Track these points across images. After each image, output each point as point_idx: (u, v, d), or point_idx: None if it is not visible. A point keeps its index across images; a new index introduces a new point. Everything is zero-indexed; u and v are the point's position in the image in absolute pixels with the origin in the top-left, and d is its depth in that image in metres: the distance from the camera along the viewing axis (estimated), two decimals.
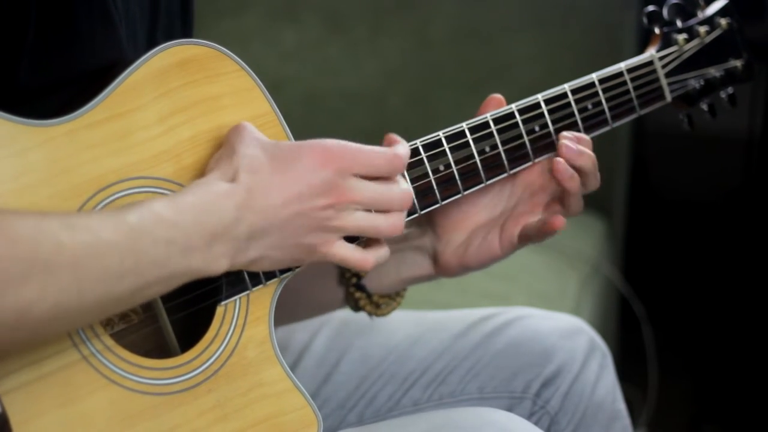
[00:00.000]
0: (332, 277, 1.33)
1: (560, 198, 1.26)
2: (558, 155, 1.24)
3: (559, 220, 1.23)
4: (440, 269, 1.30)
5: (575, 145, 1.24)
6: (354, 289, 1.32)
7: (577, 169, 1.24)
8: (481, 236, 1.28)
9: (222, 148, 1.06)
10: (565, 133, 1.25)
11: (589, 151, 1.25)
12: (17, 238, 0.89)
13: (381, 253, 1.12)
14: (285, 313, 1.34)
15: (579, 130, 1.27)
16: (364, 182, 1.08)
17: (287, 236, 1.04)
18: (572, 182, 1.24)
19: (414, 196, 1.17)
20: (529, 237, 1.26)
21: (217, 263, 1.01)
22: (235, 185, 1.02)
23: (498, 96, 1.25)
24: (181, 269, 0.98)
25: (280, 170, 1.04)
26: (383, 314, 1.34)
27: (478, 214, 1.28)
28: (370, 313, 1.34)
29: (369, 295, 1.33)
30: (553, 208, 1.27)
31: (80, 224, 0.94)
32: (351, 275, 1.32)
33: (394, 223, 1.10)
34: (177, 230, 0.97)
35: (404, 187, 1.11)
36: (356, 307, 1.34)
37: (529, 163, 1.26)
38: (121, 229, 0.95)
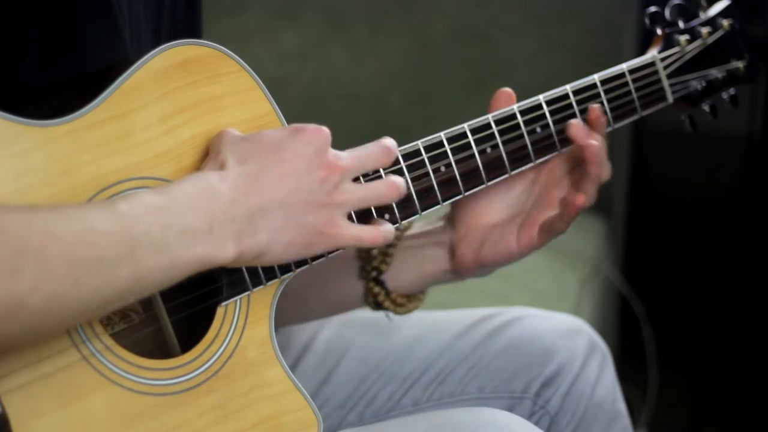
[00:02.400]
0: (353, 270, 1.33)
1: (576, 187, 1.26)
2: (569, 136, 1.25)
3: (580, 197, 1.23)
4: (456, 264, 1.30)
5: (584, 128, 1.25)
6: (374, 283, 1.32)
7: None
8: (497, 233, 1.28)
9: (208, 154, 1.06)
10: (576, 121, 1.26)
11: (598, 136, 1.26)
12: (6, 230, 0.88)
13: (387, 228, 1.10)
14: (304, 310, 1.34)
15: None
16: (344, 152, 1.08)
17: (290, 215, 1.03)
18: (598, 169, 1.24)
19: (414, 192, 1.17)
20: (551, 227, 1.26)
21: (223, 248, 0.99)
22: (226, 172, 1.02)
23: (507, 90, 1.25)
24: (185, 256, 0.97)
25: (270, 153, 1.04)
26: (401, 312, 1.34)
27: (496, 212, 1.29)
28: (389, 309, 1.33)
29: (388, 292, 1.33)
30: (568, 200, 1.27)
31: (71, 214, 0.93)
32: (372, 268, 1.32)
33: (392, 183, 1.10)
34: (171, 215, 0.96)
35: (384, 142, 1.11)
36: (375, 303, 1.33)
37: (531, 164, 1.26)
38: (113, 218, 0.94)
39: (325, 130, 1.06)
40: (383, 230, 1.10)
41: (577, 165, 1.27)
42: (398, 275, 1.32)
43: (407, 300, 1.34)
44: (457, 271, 1.31)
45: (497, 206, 1.29)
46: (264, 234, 1.02)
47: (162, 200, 0.97)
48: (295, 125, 1.07)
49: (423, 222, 1.33)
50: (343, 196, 1.06)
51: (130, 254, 0.93)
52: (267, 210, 1.02)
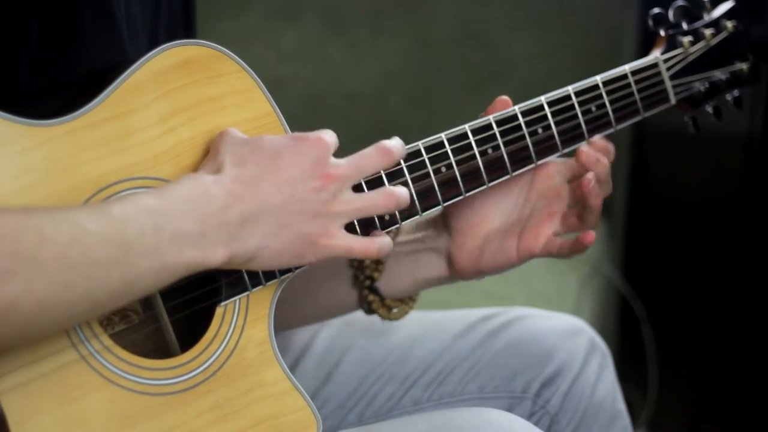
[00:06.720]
0: (346, 278, 1.33)
1: (578, 212, 1.26)
2: (579, 162, 1.25)
3: (590, 236, 1.24)
4: (455, 272, 1.30)
5: (594, 152, 1.25)
6: (367, 291, 1.32)
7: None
8: (496, 241, 1.28)
9: (208, 153, 1.06)
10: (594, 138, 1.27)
11: (605, 160, 1.26)
12: (1, 232, 0.88)
13: (383, 240, 1.10)
14: (299, 315, 1.34)
15: (582, 133, 1.27)
16: (342, 159, 1.07)
17: (284, 223, 1.03)
18: (597, 199, 1.24)
19: (415, 193, 1.17)
20: (557, 252, 1.27)
21: (213, 252, 0.99)
22: (222, 175, 1.02)
23: (504, 98, 1.25)
24: (176, 260, 0.97)
25: (268, 159, 1.03)
26: (395, 318, 1.34)
27: (493, 219, 1.29)
28: (382, 317, 1.33)
29: (382, 298, 1.32)
30: (570, 221, 1.27)
31: (64, 217, 0.93)
32: (365, 277, 1.32)
33: (390, 194, 1.10)
34: (164, 218, 0.96)
35: (381, 144, 1.10)
36: (369, 310, 1.33)
37: (532, 165, 1.25)
38: (107, 220, 0.94)
39: (326, 140, 1.06)
40: (378, 242, 1.09)
41: (578, 176, 1.27)
42: (392, 282, 1.32)
43: (401, 303, 1.34)
44: (456, 278, 1.31)
45: (493, 214, 1.29)
46: (255, 239, 1.02)
47: (156, 203, 0.97)
48: (297, 133, 1.06)
49: (409, 228, 1.33)
50: (341, 206, 1.06)
51: (122, 257, 0.93)
52: (260, 216, 1.02)
